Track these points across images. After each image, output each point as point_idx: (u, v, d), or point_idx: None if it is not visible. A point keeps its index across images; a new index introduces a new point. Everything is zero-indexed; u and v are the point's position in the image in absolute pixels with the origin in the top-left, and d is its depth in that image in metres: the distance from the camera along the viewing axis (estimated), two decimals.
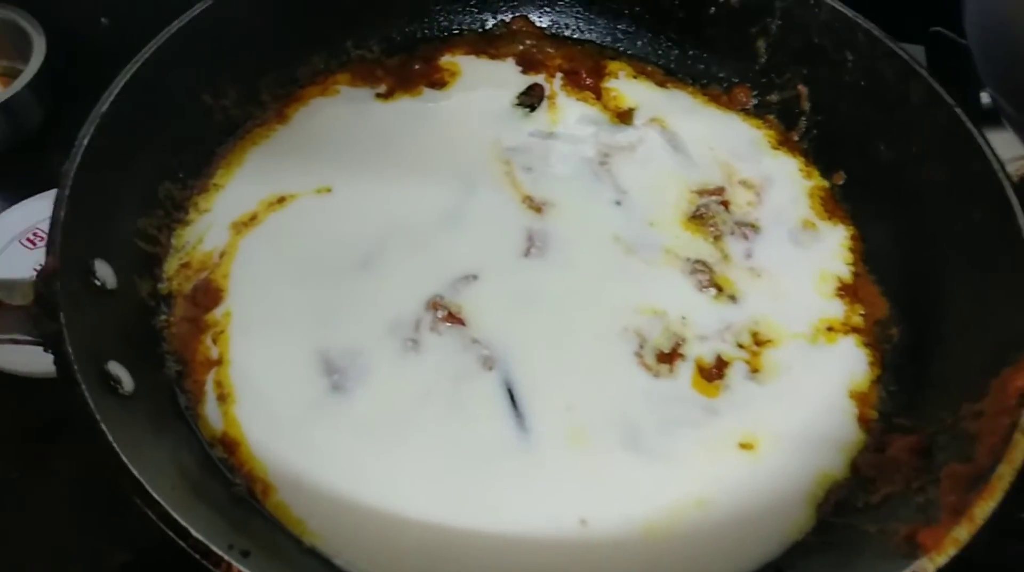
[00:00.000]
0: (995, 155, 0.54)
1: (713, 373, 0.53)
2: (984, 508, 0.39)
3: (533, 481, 0.48)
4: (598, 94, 0.69)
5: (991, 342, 0.48)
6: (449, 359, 0.52)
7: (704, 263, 0.58)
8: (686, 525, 0.47)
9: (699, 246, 0.59)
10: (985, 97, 0.71)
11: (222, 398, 0.49)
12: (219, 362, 0.51)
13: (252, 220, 0.58)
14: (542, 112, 0.67)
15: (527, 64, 0.71)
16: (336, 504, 0.46)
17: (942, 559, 0.38)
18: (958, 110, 0.56)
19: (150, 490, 0.37)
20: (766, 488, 0.48)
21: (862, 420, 0.51)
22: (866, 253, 0.60)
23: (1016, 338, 0.46)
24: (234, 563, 0.36)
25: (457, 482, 0.47)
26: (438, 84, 0.68)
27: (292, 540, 0.45)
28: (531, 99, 0.68)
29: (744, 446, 0.50)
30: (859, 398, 0.52)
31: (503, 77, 0.70)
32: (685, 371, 0.53)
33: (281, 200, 0.60)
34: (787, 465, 0.49)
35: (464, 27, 0.72)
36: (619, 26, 0.72)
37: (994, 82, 0.65)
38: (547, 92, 0.68)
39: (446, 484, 0.47)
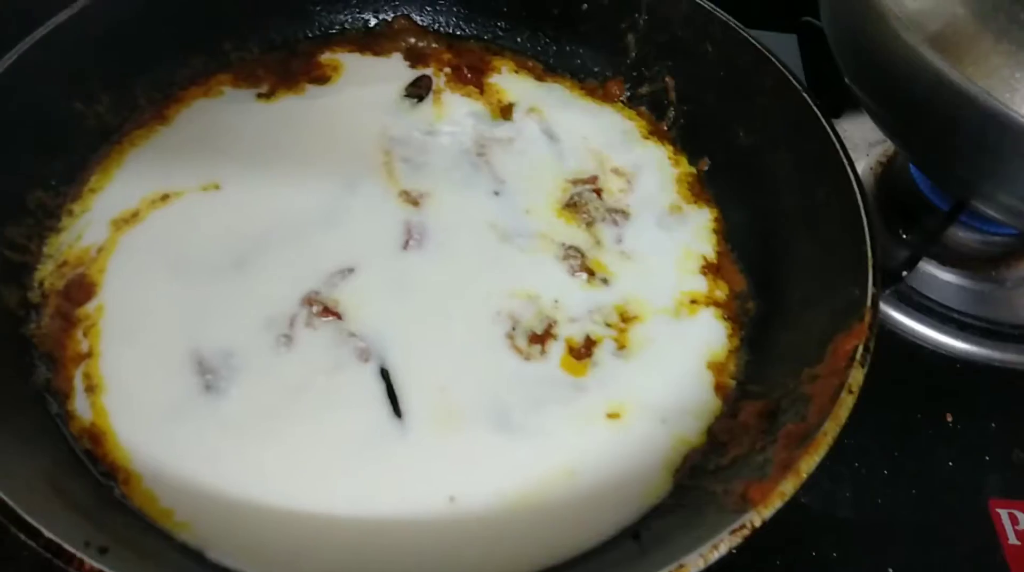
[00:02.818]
0: (838, 137, 0.58)
1: (582, 352, 0.56)
2: (810, 462, 0.43)
3: (403, 465, 0.49)
4: (481, 89, 0.71)
5: (828, 312, 0.51)
6: (324, 353, 0.53)
7: (577, 249, 0.61)
8: (554, 495, 0.49)
9: (573, 232, 0.62)
10: None
11: (90, 389, 0.50)
12: (89, 355, 0.51)
13: (134, 217, 0.59)
14: (427, 107, 0.69)
15: (415, 58, 0.72)
16: (204, 495, 0.46)
17: (769, 511, 0.41)
18: (806, 95, 0.60)
19: None
20: (629, 456, 0.51)
21: (719, 388, 0.55)
22: (728, 233, 0.63)
23: (849, 307, 0.50)
24: (87, 560, 0.37)
25: (329, 471, 0.48)
26: (320, 80, 0.69)
27: (162, 537, 0.45)
28: (419, 90, 0.69)
29: (611, 416, 0.53)
30: (716, 368, 0.56)
31: (390, 71, 0.71)
32: (555, 352, 0.55)
33: (165, 197, 0.60)
34: (649, 434, 0.52)
35: (346, 26, 0.74)
36: (498, 23, 0.74)
37: (847, 72, 0.69)
38: (434, 85, 0.70)
39: (318, 474, 0.48)
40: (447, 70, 0.72)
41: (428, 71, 0.71)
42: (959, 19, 0.59)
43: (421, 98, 0.69)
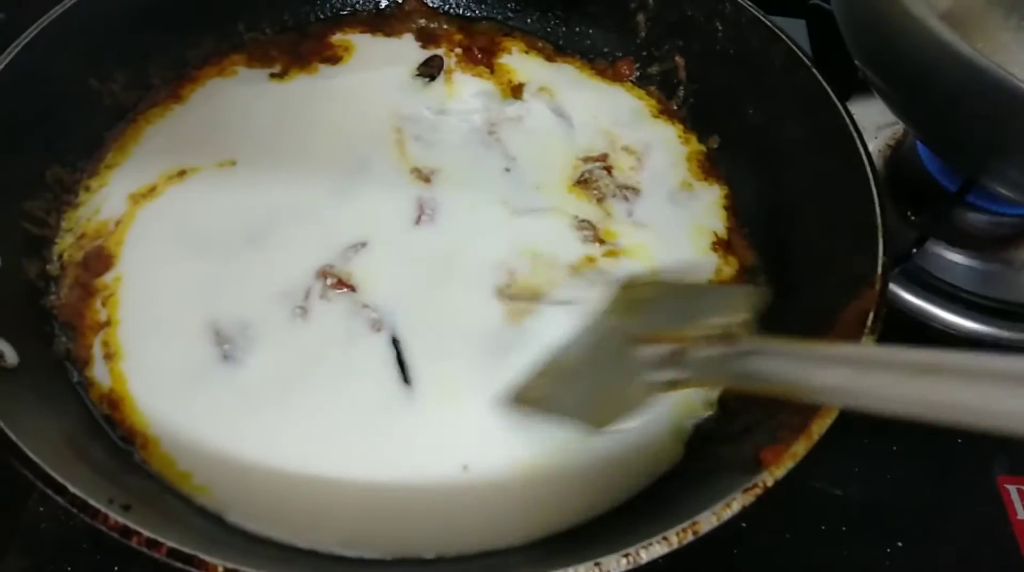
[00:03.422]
0: (848, 112, 0.58)
1: None
2: (821, 425, 0.43)
3: (416, 433, 0.50)
4: (492, 69, 0.72)
5: (839, 283, 0.52)
6: (338, 324, 0.54)
7: (588, 222, 0.61)
8: (567, 466, 0.49)
9: (584, 208, 0.62)
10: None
11: (109, 356, 0.51)
12: (107, 324, 0.52)
13: (151, 191, 0.59)
14: (439, 86, 0.69)
15: (426, 39, 0.73)
16: (222, 460, 0.47)
17: (781, 472, 0.41)
18: (815, 71, 0.60)
19: (25, 450, 0.38)
20: (640, 426, 0.51)
21: None
22: (738, 209, 0.64)
23: (860, 277, 0.50)
24: (112, 515, 0.37)
25: (343, 438, 0.49)
26: (332, 60, 0.70)
27: (182, 500, 0.46)
28: (431, 69, 0.70)
29: None
30: None
31: (401, 52, 0.72)
32: None
33: (181, 173, 0.60)
34: (660, 404, 0.52)
35: (357, 7, 0.74)
36: (508, 4, 0.75)
37: (857, 52, 0.69)
38: (446, 65, 0.70)
39: (332, 441, 0.49)
40: (458, 51, 0.72)
41: (439, 51, 0.71)
42: None
43: (433, 77, 0.69)
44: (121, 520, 0.37)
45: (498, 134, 0.66)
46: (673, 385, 0.37)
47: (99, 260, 0.54)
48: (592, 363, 0.42)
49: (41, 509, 0.53)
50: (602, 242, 0.60)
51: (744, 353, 0.35)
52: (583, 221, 0.61)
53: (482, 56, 0.72)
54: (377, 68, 0.69)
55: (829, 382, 0.32)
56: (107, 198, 0.58)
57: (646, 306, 0.38)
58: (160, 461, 0.47)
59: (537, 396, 0.43)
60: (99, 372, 0.50)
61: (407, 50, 0.71)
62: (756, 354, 0.34)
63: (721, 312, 0.35)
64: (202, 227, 0.57)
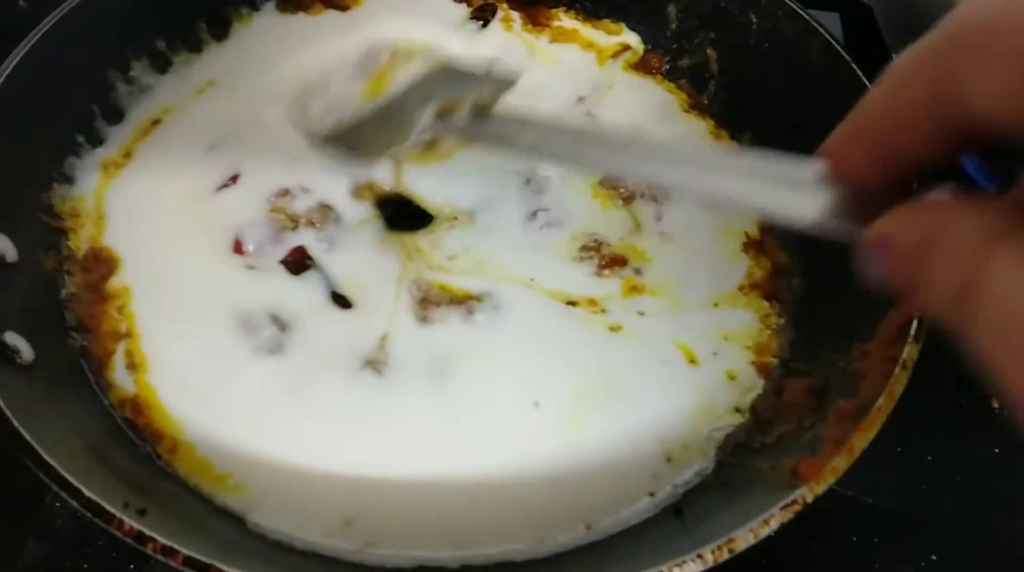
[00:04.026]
0: None
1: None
2: (863, 439, 0.41)
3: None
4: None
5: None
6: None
7: (588, 247, 0.58)
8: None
9: (611, 213, 0.60)
10: None
11: (132, 366, 0.49)
12: (128, 335, 0.50)
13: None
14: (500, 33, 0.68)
15: None
16: (260, 458, 0.46)
17: (821, 488, 0.40)
18: (855, 66, 0.58)
19: (40, 452, 0.37)
20: (668, 433, 0.49)
21: (760, 368, 0.53)
22: None
23: None
24: (127, 520, 0.36)
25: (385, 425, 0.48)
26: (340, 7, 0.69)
27: (201, 502, 0.45)
28: (484, 13, 0.68)
29: None
30: (757, 349, 0.54)
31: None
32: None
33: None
34: (687, 411, 0.50)
35: None
36: None
37: (897, 46, 0.67)
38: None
39: (373, 430, 0.48)
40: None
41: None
42: None
43: (487, 22, 0.67)
44: (136, 526, 0.36)
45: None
46: (432, 139, 0.47)
47: (97, 257, 0.53)
48: (388, 114, 0.49)
49: (57, 505, 0.53)
50: (621, 262, 0.57)
51: (487, 120, 0.45)
52: (583, 249, 0.58)
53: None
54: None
55: (531, 141, 0.41)
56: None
57: (437, 79, 0.46)
58: (192, 465, 0.46)
59: (338, 134, 0.49)
60: (120, 377, 0.49)
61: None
62: (495, 122, 0.44)
63: (482, 92, 0.44)
64: None
